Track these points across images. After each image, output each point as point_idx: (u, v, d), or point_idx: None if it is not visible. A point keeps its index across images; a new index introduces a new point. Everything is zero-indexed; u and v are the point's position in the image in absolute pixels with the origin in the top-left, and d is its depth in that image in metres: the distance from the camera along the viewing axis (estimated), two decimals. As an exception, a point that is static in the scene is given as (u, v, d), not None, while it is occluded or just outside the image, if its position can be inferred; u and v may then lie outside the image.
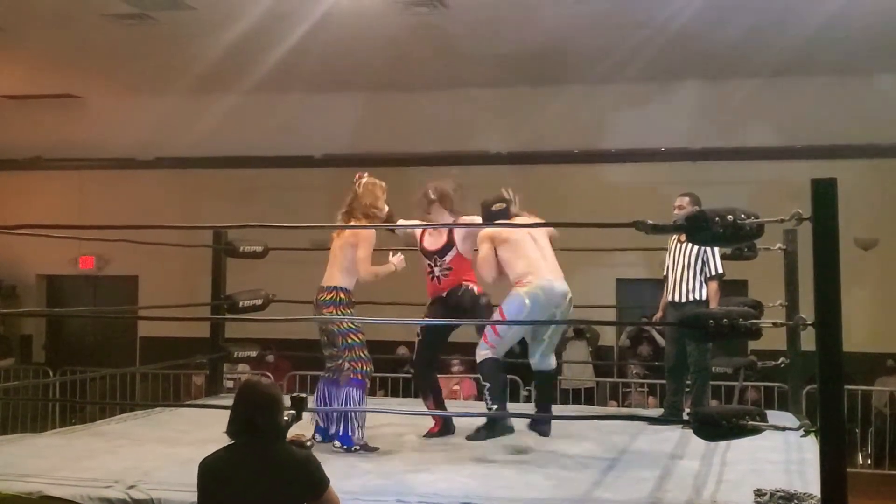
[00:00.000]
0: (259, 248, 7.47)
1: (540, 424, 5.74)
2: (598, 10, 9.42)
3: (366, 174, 5.86)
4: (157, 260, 11.59)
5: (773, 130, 11.72)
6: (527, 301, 5.47)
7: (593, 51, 10.65)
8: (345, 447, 5.49)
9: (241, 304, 6.97)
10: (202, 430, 5.91)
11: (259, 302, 7.25)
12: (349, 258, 5.64)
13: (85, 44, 10.85)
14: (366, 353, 5.65)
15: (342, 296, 5.63)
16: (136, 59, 11.57)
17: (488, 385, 5.54)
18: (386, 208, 5.83)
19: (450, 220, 5.83)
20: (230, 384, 8.61)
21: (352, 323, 5.63)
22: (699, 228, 3.73)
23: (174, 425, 6.21)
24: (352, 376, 5.59)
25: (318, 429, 5.65)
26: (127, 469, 4.76)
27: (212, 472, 3.29)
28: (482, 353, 5.55)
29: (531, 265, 5.61)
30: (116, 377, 10.99)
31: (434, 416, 5.92)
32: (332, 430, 5.55)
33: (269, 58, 10.68)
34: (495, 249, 5.68)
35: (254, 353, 7.88)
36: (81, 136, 13.62)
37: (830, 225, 3.52)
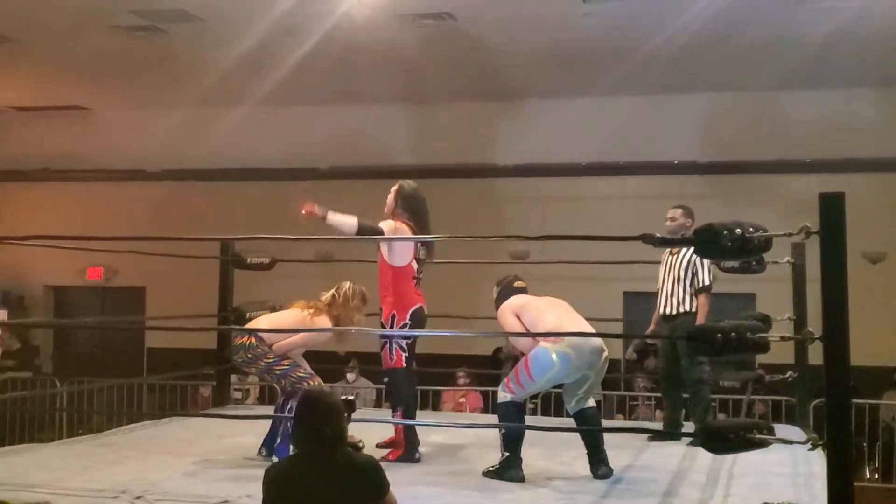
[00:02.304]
0: (266, 260, 7.48)
1: (596, 468, 5.16)
2: (606, 23, 9.44)
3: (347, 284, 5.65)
4: (165, 271, 11.59)
5: (782, 143, 11.71)
6: (554, 358, 5.00)
7: (602, 63, 10.66)
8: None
9: (247, 315, 6.97)
10: (209, 441, 5.92)
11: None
12: (294, 325, 5.46)
13: (94, 56, 10.89)
14: (303, 370, 5.50)
15: (253, 340, 5.45)
16: (145, 71, 11.61)
17: (503, 431, 5.06)
18: (363, 321, 5.61)
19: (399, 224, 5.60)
20: (237, 395, 8.62)
21: (268, 358, 5.43)
22: (708, 242, 3.72)
23: (181, 436, 6.21)
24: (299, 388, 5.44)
25: (265, 442, 5.51)
26: (133, 479, 4.76)
27: (281, 481, 3.33)
28: (501, 395, 5.14)
29: (560, 320, 5.17)
30: (123, 388, 11.01)
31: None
32: (277, 442, 5.43)
33: (278, 70, 10.72)
34: (519, 319, 5.23)
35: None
36: (90, 147, 13.68)
37: (838, 239, 3.51)
